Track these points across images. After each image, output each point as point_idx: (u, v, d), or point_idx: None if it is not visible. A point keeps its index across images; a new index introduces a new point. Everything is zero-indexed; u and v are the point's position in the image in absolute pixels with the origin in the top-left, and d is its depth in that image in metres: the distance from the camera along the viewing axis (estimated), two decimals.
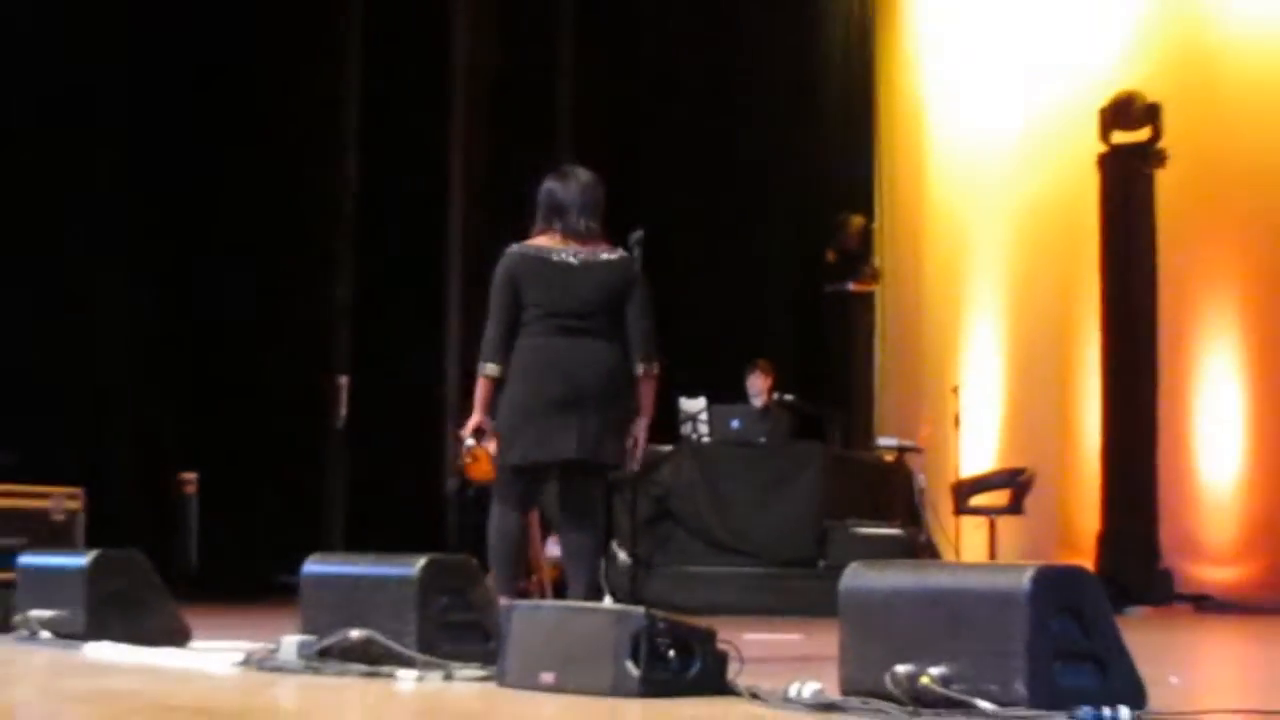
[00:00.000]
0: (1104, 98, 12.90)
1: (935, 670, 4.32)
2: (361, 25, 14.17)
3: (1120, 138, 12.74)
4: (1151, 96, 12.71)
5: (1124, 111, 12.74)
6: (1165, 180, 12.61)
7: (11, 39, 12.78)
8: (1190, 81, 13.13)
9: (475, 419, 6.89)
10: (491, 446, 7.37)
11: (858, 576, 4.83)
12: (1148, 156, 12.65)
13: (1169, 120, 12.69)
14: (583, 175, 7.10)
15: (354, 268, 14.09)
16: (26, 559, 8.04)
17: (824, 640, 5.44)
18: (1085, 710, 4.15)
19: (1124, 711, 4.17)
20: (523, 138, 14.20)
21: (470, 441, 6.99)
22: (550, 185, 7.00)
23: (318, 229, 13.73)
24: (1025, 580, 4.31)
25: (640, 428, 6.91)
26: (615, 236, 7.45)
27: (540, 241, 6.88)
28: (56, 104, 13.12)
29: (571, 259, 6.87)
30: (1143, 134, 12.68)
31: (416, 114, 14.44)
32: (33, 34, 12.97)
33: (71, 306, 12.65)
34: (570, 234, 6.89)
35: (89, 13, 13.30)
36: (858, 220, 14.32)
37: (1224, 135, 12.84)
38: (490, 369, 6.79)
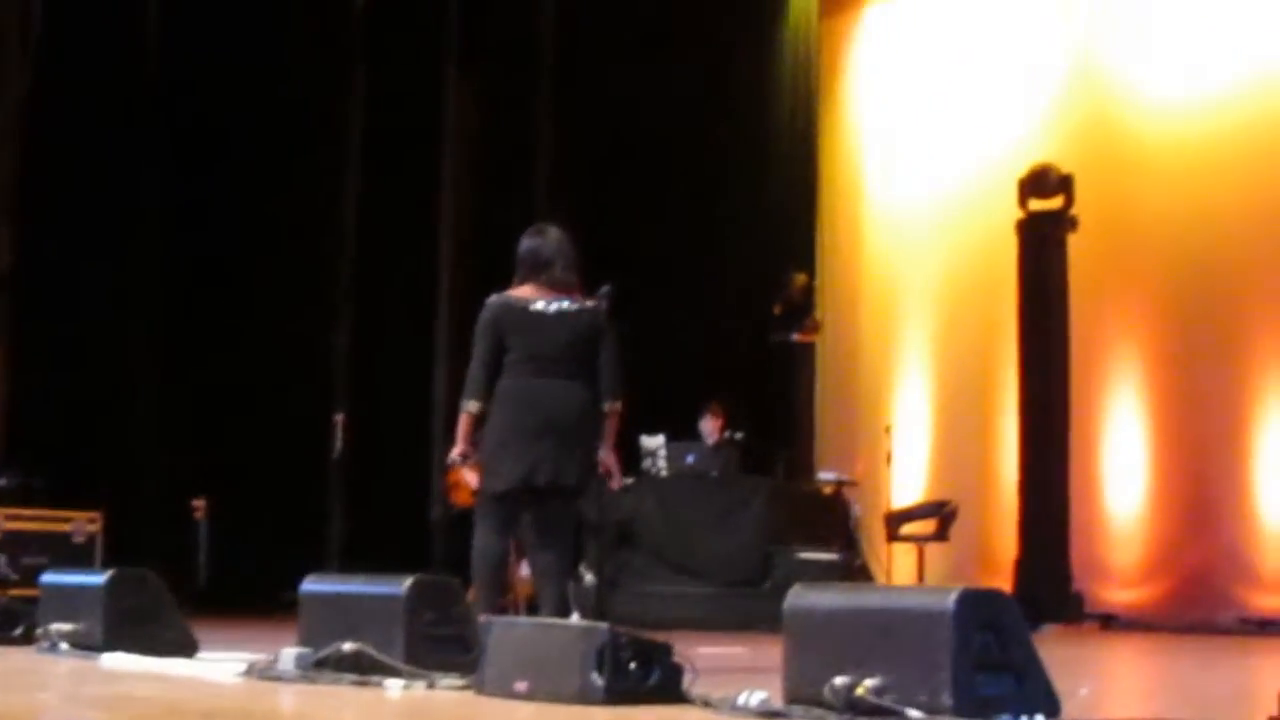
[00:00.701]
0: (1022, 169, 13.04)
1: (870, 682, 4.40)
2: (364, 94, 14.27)
3: (1036, 205, 12.89)
4: (1065, 168, 12.86)
5: (1040, 182, 12.87)
6: (1076, 243, 12.76)
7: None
8: (1100, 154, 13.29)
9: (458, 449, 6.97)
10: (472, 477, 7.58)
11: (800, 597, 4.90)
12: (1061, 222, 12.80)
13: (1080, 189, 12.83)
14: (556, 233, 7.21)
15: (352, 318, 14.15)
16: (49, 577, 8.10)
17: (768, 654, 5.53)
18: (1005, 717, 4.27)
19: (1039, 719, 4.31)
20: (503, 197, 14.23)
21: (455, 460, 7.03)
22: (530, 242, 7.08)
23: (320, 284, 13.86)
24: (950, 601, 4.41)
25: (608, 456, 7.04)
26: (586, 287, 7.47)
27: (521, 292, 6.96)
28: (101, 169, 13.08)
29: (548, 309, 6.97)
30: (1056, 202, 12.83)
31: (409, 179, 14.42)
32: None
33: (104, 352, 12.71)
34: (552, 285, 6.96)
35: (126, 93, 13.35)
36: (801, 278, 14.35)
37: (1129, 203, 12.98)
38: (472, 405, 6.87)
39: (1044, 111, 13.91)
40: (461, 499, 10.73)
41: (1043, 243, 12.91)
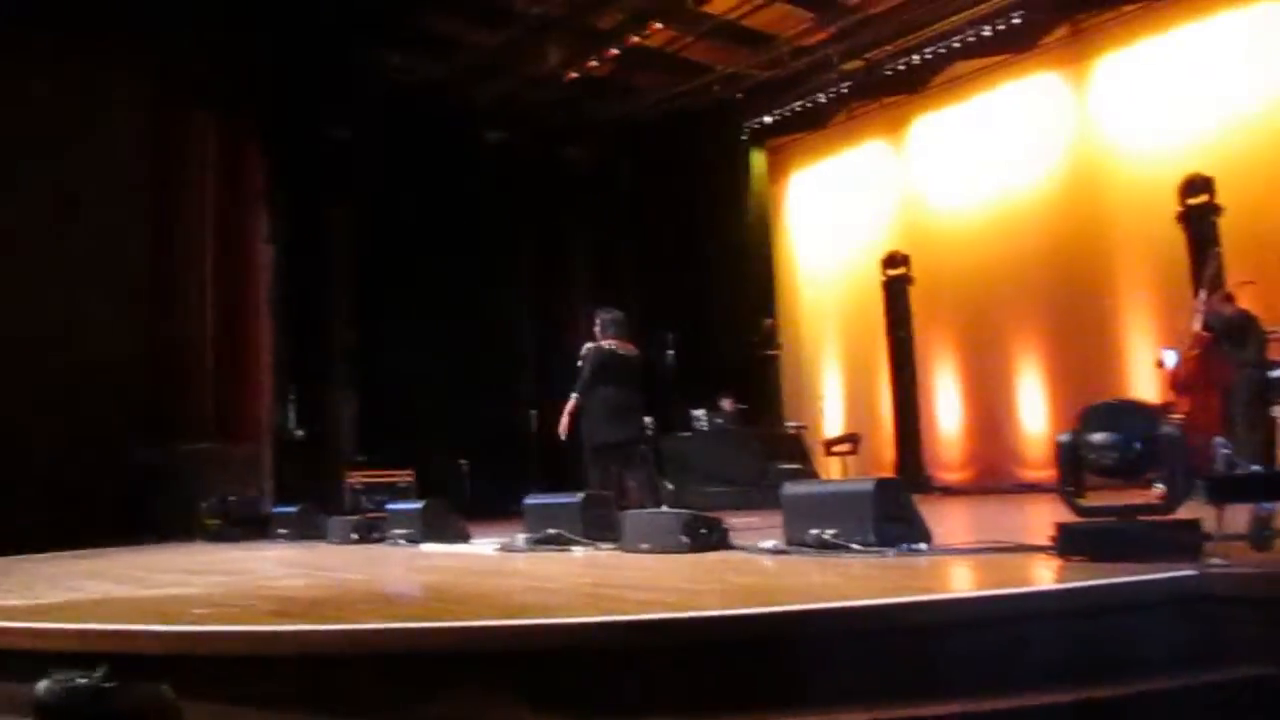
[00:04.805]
0: (882, 252, 13.60)
1: (829, 531, 4.47)
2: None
3: (891, 272, 13.44)
4: (904, 251, 13.40)
5: (891, 259, 13.48)
6: (915, 292, 13.32)
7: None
8: (920, 243, 13.39)
9: (566, 418, 7.20)
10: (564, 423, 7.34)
11: (790, 488, 5.02)
12: (905, 281, 13.33)
13: (914, 263, 13.34)
14: (619, 313, 7.54)
15: (534, 367, 13.98)
16: (390, 505, 8.28)
17: (771, 521, 5.54)
18: (904, 545, 4.29)
19: (922, 545, 4.33)
20: (597, 294, 13.61)
21: (561, 431, 7.14)
22: (609, 316, 7.46)
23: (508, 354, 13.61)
24: (871, 484, 4.52)
25: (648, 424, 7.55)
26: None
27: (607, 343, 7.36)
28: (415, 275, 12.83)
29: (619, 351, 7.35)
30: (902, 270, 13.32)
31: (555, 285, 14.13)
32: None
33: (411, 387, 12.54)
34: (619, 339, 7.38)
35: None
36: (769, 321, 14.66)
37: (941, 269, 13.11)
38: (577, 398, 7.16)
39: (889, 218, 13.90)
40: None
41: (896, 293, 13.38)
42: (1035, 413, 12.08)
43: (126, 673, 2.94)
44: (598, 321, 7.47)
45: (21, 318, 9.80)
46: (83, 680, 3.07)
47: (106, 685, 2.99)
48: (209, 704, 2.45)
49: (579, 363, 7.28)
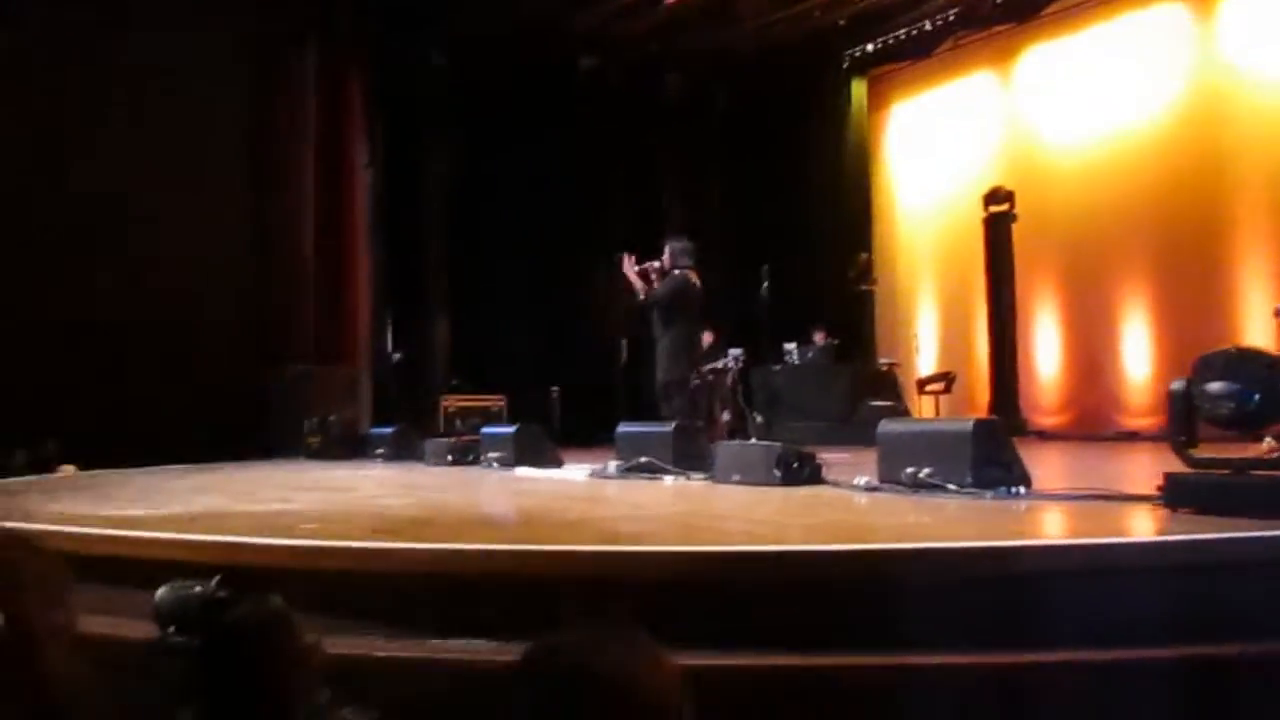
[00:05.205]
0: (984, 188, 12.91)
1: (925, 470, 4.44)
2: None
3: (993, 209, 12.79)
4: (1009, 186, 12.73)
5: (994, 195, 12.81)
6: (1017, 230, 12.63)
7: None
8: (1028, 177, 12.85)
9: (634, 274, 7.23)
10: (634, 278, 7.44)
11: (886, 425, 5.04)
12: (1007, 218, 12.66)
13: (1019, 200, 12.61)
14: (687, 240, 7.48)
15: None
16: (485, 429, 8.54)
17: (862, 458, 5.52)
18: (1001, 489, 4.25)
19: (1022, 489, 4.30)
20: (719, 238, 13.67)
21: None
22: (678, 244, 7.39)
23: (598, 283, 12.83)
24: (970, 425, 4.54)
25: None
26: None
27: (682, 272, 7.33)
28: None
29: (696, 283, 7.41)
30: (1004, 206, 12.69)
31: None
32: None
33: (498, 334, 12.73)
34: (693, 268, 7.36)
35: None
36: (864, 256, 14.35)
37: (1045, 206, 12.58)
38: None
39: (994, 153, 13.56)
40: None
41: (998, 230, 12.79)
42: (1139, 358, 11.85)
43: (238, 583, 3.09)
44: (668, 250, 7.27)
45: (136, 239, 10.23)
46: (198, 589, 3.24)
47: (220, 595, 3.15)
48: (310, 616, 2.56)
49: (653, 287, 7.15)
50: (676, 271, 7.12)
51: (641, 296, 7.21)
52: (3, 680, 0.79)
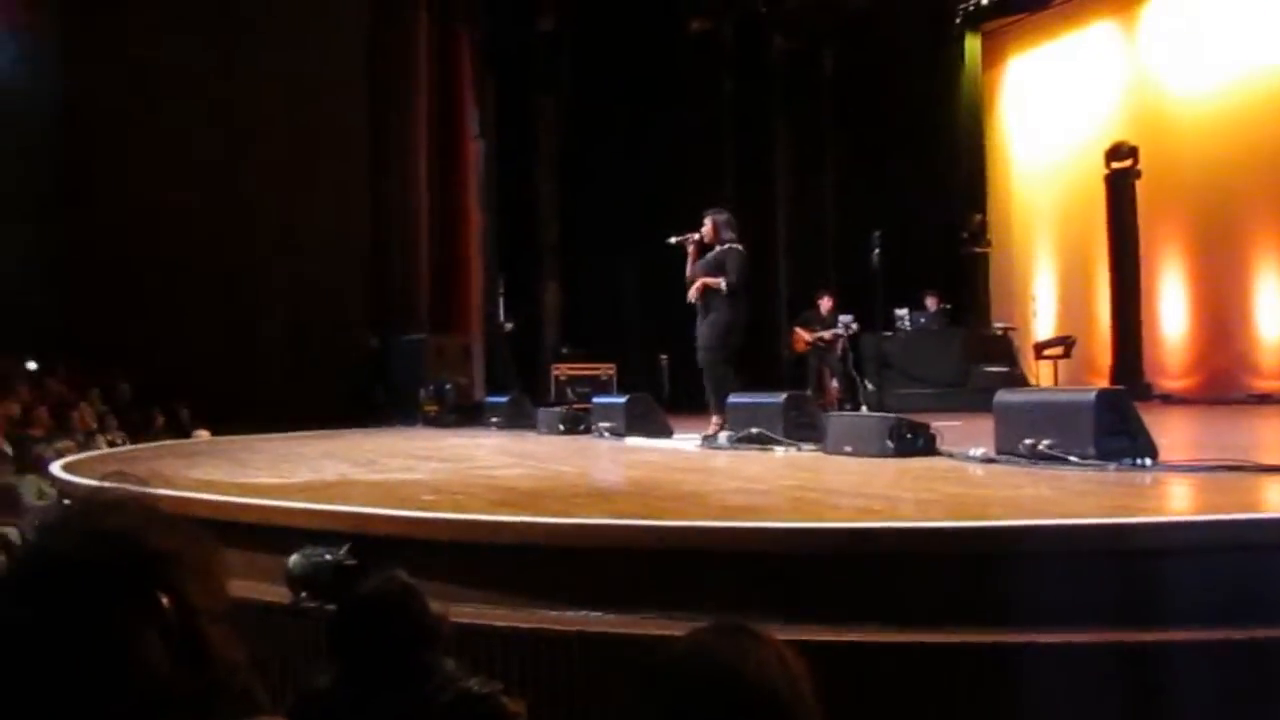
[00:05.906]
0: (1106, 143, 12.77)
1: (1045, 442, 4.32)
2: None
3: (1116, 165, 12.63)
4: (1132, 142, 12.58)
5: (1116, 151, 12.63)
6: (1141, 186, 12.46)
7: None
8: (1152, 132, 12.65)
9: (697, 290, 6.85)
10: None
11: (1002, 395, 4.89)
12: (1130, 174, 12.51)
13: (1143, 154, 12.46)
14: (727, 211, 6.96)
15: None
16: (596, 399, 8.69)
17: (976, 427, 5.34)
18: (1125, 460, 4.13)
19: (1148, 461, 4.16)
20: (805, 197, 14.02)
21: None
22: (721, 216, 6.82)
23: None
24: (1092, 395, 4.37)
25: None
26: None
27: (736, 245, 6.81)
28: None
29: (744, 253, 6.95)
30: (1128, 163, 12.53)
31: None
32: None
33: (613, 299, 13.00)
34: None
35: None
36: (978, 216, 14.18)
37: (1170, 161, 12.34)
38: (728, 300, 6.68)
39: (1116, 107, 13.27)
40: (798, 348, 10.99)
41: (1120, 189, 12.62)
42: (1272, 318, 11.52)
43: (364, 550, 3.20)
44: (710, 222, 6.73)
45: (260, 209, 10.60)
46: (328, 556, 3.40)
47: (350, 562, 3.30)
48: (433, 584, 2.59)
49: (719, 258, 6.69)
50: (728, 246, 6.68)
51: (724, 288, 6.72)
52: (172, 660, 0.85)
